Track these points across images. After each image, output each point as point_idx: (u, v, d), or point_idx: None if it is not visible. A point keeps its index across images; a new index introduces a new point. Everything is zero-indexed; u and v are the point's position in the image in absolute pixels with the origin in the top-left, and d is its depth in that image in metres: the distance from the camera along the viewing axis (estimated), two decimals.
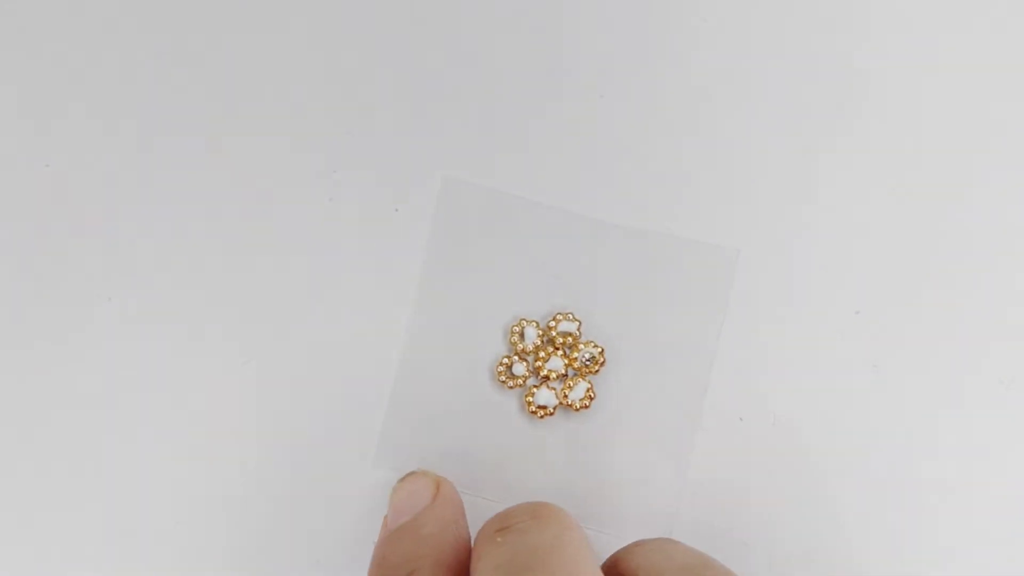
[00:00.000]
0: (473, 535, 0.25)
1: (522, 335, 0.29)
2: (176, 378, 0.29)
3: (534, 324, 0.29)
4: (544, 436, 0.29)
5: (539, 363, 0.29)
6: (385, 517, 0.26)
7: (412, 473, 0.28)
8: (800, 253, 0.30)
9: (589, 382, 0.29)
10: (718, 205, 0.30)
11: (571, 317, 0.29)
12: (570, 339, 0.29)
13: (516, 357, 0.29)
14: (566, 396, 0.29)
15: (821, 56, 0.31)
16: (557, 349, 0.29)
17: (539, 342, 0.29)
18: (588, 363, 0.29)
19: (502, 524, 0.23)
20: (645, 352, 0.29)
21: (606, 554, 0.26)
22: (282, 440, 0.29)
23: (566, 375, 0.29)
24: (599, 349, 0.29)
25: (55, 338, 0.30)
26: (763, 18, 0.31)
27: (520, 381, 0.29)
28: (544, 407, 0.29)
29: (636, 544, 0.25)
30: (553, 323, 0.29)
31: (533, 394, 0.29)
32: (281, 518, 0.29)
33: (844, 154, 0.31)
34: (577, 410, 0.29)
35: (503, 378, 0.29)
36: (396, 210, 0.30)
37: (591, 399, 0.29)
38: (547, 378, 0.29)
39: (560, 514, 0.23)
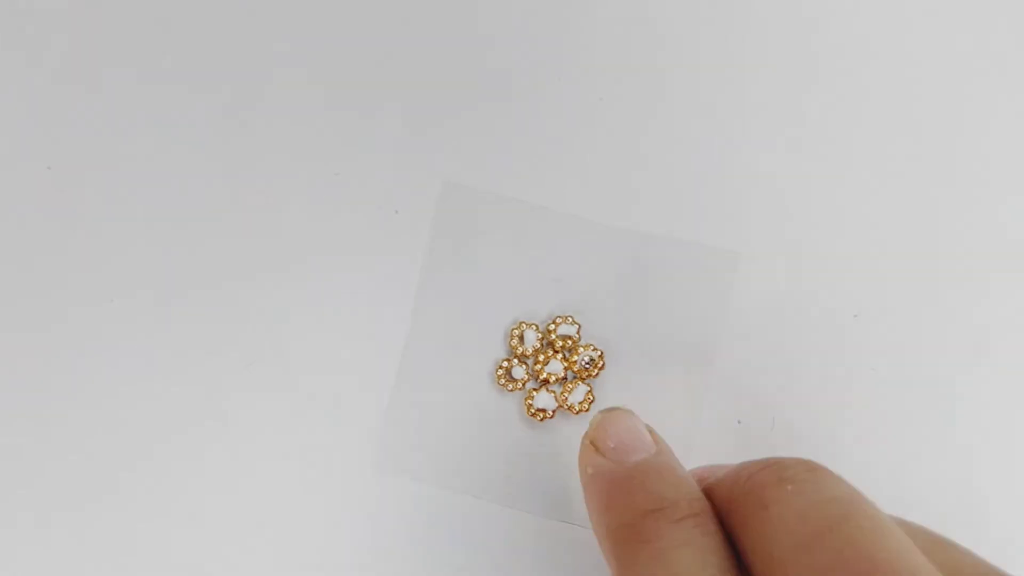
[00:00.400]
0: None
1: (522, 338, 0.29)
2: (177, 381, 0.29)
3: (533, 327, 0.29)
4: (544, 439, 0.29)
5: (539, 366, 0.29)
6: (591, 446, 0.24)
7: (621, 409, 0.25)
8: (799, 257, 0.30)
9: (588, 385, 0.29)
10: (718, 209, 0.30)
11: (571, 320, 0.29)
12: (569, 342, 0.29)
13: (516, 360, 0.29)
14: (565, 399, 0.29)
15: (822, 60, 0.31)
16: (557, 352, 0.29)
17: (539, 345, 0.29)
18: (587, 366, 0.29)
19: (781, 474, 0.21)
20: (644, 355, 0.29)
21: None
22: (281, 443, 0.29)
23: (565, 378, 0.29)
24: (598, 352, 0.29)
25: (56, 339, 0.30)
26: (763, 22, 0.31)
27: (520, 384, 0.29)
28: (544, 410, 0.29)
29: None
30: (552, 326, 0.29)
31: (533, 397, 0.29)
32: (280, 521, 0.29)
33: (844, 158, 0.31)
34: (577, 413, 0.29)
35: (502, 381, 0.29)
36: (396, 212, 0.30)
37: (591, 402, 0.29)
38: (547, 381, 0.29)
39: (834, 473, 0.21)
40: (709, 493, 0.22)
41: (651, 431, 0.24)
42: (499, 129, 0.31)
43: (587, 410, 0.29)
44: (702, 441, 0.29)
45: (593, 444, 0.24)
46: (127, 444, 0.29)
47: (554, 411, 0.29)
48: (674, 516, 0.21)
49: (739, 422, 0.30)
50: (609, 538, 0.22)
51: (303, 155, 0.30)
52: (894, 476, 0.29)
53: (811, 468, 0.21)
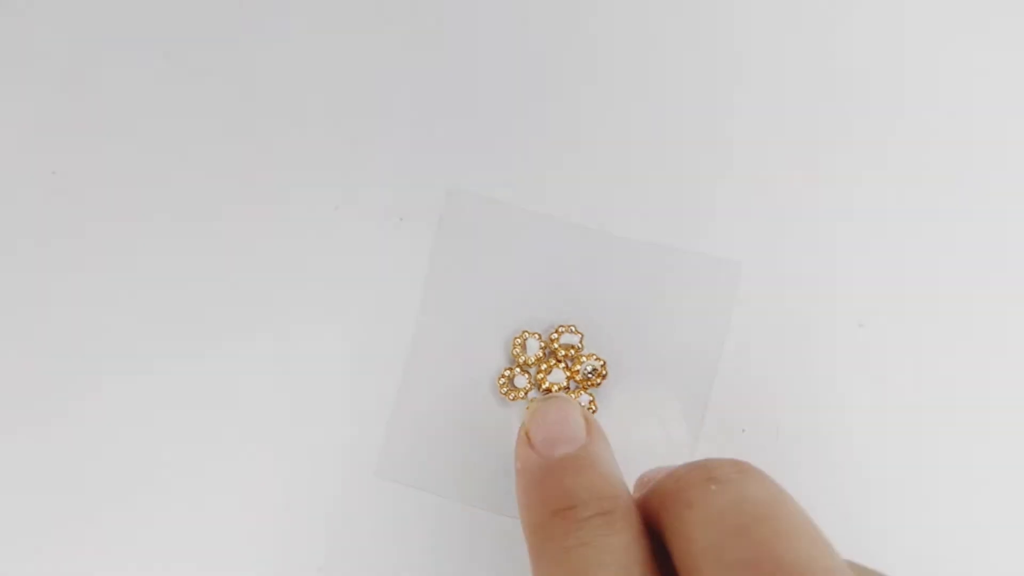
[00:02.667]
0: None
1: (524, 347, 0.29)
2: (179, 385, 0.30)
3: (536, 336, 0.29)
4: None
5: (541, 375, 0.29)
6: (525, 438, 0.24)
7: (556, 397, 0.25)
8: (803, 266, 0.30)
9: (591, 395, 0.29)
10: (721, 218, 0.30)
11: (573, 329, 0.29)
12: (572, 351, 0.29)
13: (518, 369, 0.29)
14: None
15: (825, 69, 0.31)
16: (559, 361, 0.29)
17: (541, 354, 0.29)
18: (590, 376, 0.29)
19: (708, 474, 0.21)
20: (647, 365, 0.29)
21: None
22: (285, 450, 0.29)
23: (568, 388, 0.29)
24: (601, 362, 0.29)
25: (58, 341, 0.30)
26: (765, 32, 0.31)
27: (522, 393, 0.29)
28: None
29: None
30: (555, 335, 0.29)
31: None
32: (283, 527, 0.29)
33: (847, 167, 0.31)
34: None
35: (505, 390, 0.29)
36: (400, 220, 0.30)
37: (593, 412, 0.29)
38: (549, 391, 0.29)
39: (764, 472, 0.21)
40: (649, 495, 0.22)
41: (589, 420, 0.24)
42: (504, 138, 0.31)
43: None
44: (706, 449, 0.29)
45: (527, 435, 0.24)
46: (127, 445, 0.29)
47: None
48: (581, 515, 0.21)
49: (743, 431, 0.29)
50: (526, 535, 0.23)
51: (309, 161, 0.30)
52: (898, 486, 0.29)
53: (740, 469, 0.21)
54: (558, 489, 0.22)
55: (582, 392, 0.29)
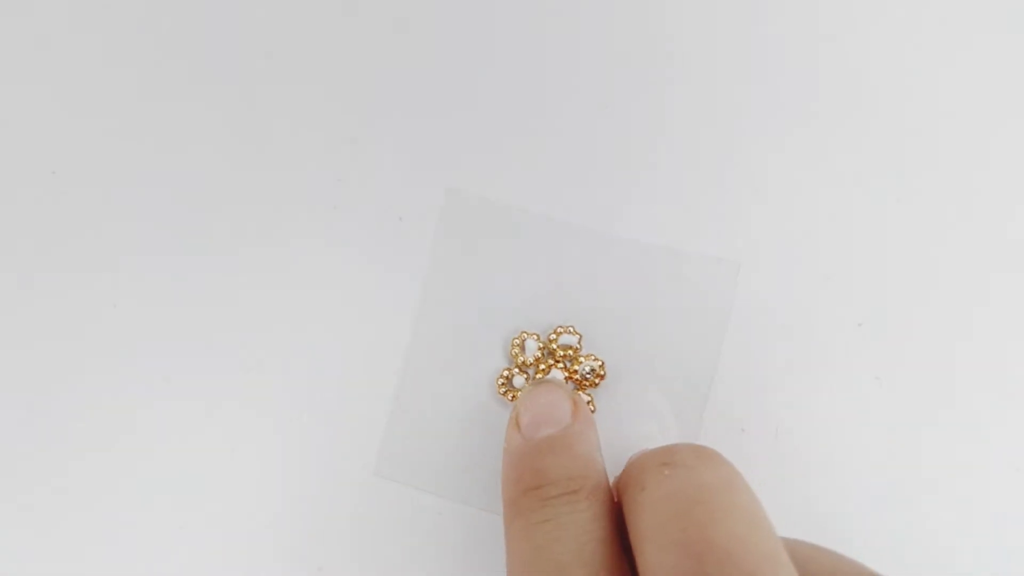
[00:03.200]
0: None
1: (523, 348, 0.29)
2: (179, 385, 0.30)
3: (535, 337, 0.29)
4: None
5: (540, 376, 0.29)
6: (514, 420, 0.25)
7: (546, 382, 0.26)
8: (802, 266, 0.30)
9: (590, 395, 0.29)
10: (719, 218, 0.30)
11: (572, 330, 0.29)
12: (571, 352, 0.29)
13: (517, 370, 0.29)
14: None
15: (823, 68, 0.31)
16: (558, 362, 0.29)
17: (540, 355, 0.29)
18: (589, 376, 0.29)
19: (665, 459, 0.22)
20: (646, 365, 0.29)
21: None
22: (283, 449, 0.29)
23: None
24: (600, 362, 0.29)
25: (58, 342, 0.30)
26: (765, 31, 0.31)
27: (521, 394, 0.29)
28: None
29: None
30: (554, 336, 0.29)
31: None
32: (282, 526, 0.29)
33: (846, 166, 0.30)
34: None
35: (503, 391, 0.29)
36: (400, 219, 0.30)
37: (592, 412, 0.29)
38: None
39: (724, 459, 0.22)
40: (618, 477, 0.23)
41: (577, 404, 0.25)
42: (503, 137, 0.30)
43: None
44: None
45: (515, 419, 0.25)
46: (126, 445, 0.29)
47: None
48: (548, 493, 0.22)
49: (743, 431, 0.29)
50: (503, 512, 0.24)
51: (308, 160, 0.30)
52: (897, 485, 0.29)
53: (699, 455, 0.22)
54: (532, 468, 0.23)
55: (581, 392, 0.29)
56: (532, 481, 0.23)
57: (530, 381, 0.29)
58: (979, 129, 0.31)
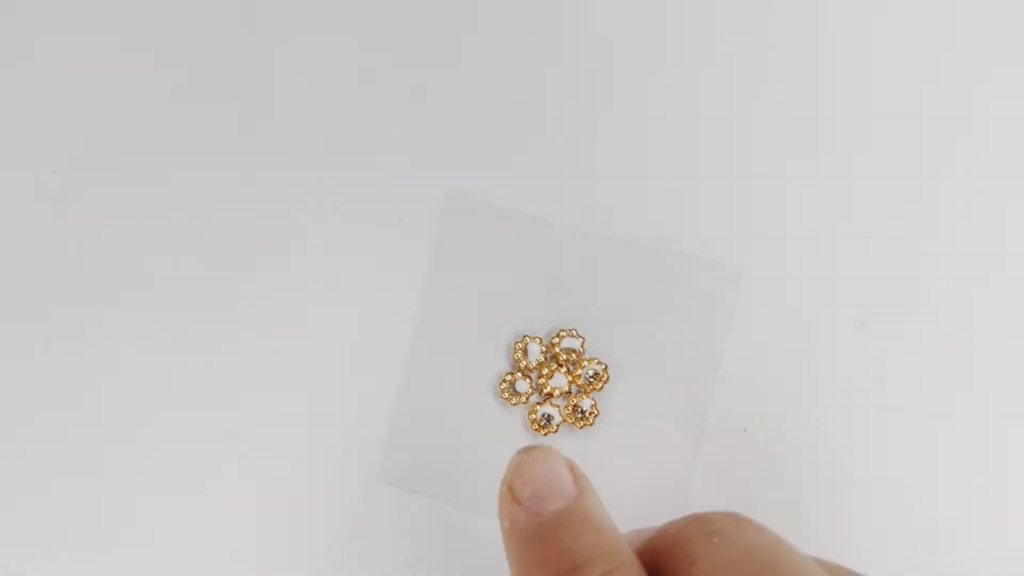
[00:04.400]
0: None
1: (525, 351, 0.29)
2: (180, 387, 0.29)
3: (537, 340, 0.29)
4: None
5: (542, 380, 0.29)
6: (509, 494, 0.22)
7: (538, 448, 0.24)
8: (805, 267, 0.30)
9: (593, 399, 0.29)
10: (722, 219, 0.30)
11: (575, 333, 0.29)
12: (574, 356, 0.29)
13: (519, 374, 0.29)
14: (570, 413, 0.29)
15: (826, 71, 0.31)
16: (561, 366, 0.29)
17: (542, 359, 0.29)
18: (592, 380, 0.29)
19: (707, 528, 0.21)
20: (649, 368, 0.29)
21: None
22: (286, 454, 0.29)
23: (570, 392, 0.29)
24: (603, 366, 0.29)
25: (59, 343, 0.30)
26: (766, 35, 0.31)
27: (523, 398, 0.29)
28: (547, 424, 0.29)
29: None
30: (556, 339, 0.29)
31: (536, 411, 0.29)
32: (283, 533, 0.29)
33: (848, 168, 0.30)
34: (581, 427, 0.29)
35: (506, 395, 0.29)
36: (401, 219, 0.30)
37: (595, 416, 0.29)
38: (550, 395, 0.29)
39: (756, 521, 0.21)
40: (646, 553, 0.22)
41: (574, 470, 0.23)
42: (504, 138, 0.30)
43: (591, 423, 0.29)
44: (708, 449, 0.29)
45: (511, 491, 0.22)
46: (126, 447, 0.29)
47: (558, 425, 0.29)
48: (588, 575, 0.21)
49: (745, 430, 0.29)
50: None
51: (310, 160, 0.30)
52: (900, 485, 0.29)
53: (736, 520, 0.21)
54: (557, 550, 0.21)
55: (584, 396, 0.29)
56: (563, 564, 0.21)
57: (533, 385, 0.29)
58: (981, 129, 0.31)
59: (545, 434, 0.29)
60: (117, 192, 0.30)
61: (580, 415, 0.29)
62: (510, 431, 0.29)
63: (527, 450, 0.23)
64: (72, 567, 0.29)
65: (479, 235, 0.30)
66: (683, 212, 0.30)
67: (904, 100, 0.31)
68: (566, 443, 0.29)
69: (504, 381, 0.29)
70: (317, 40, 0.31)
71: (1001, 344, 0.30)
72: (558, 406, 0.29)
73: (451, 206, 0.30)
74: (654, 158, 0.30)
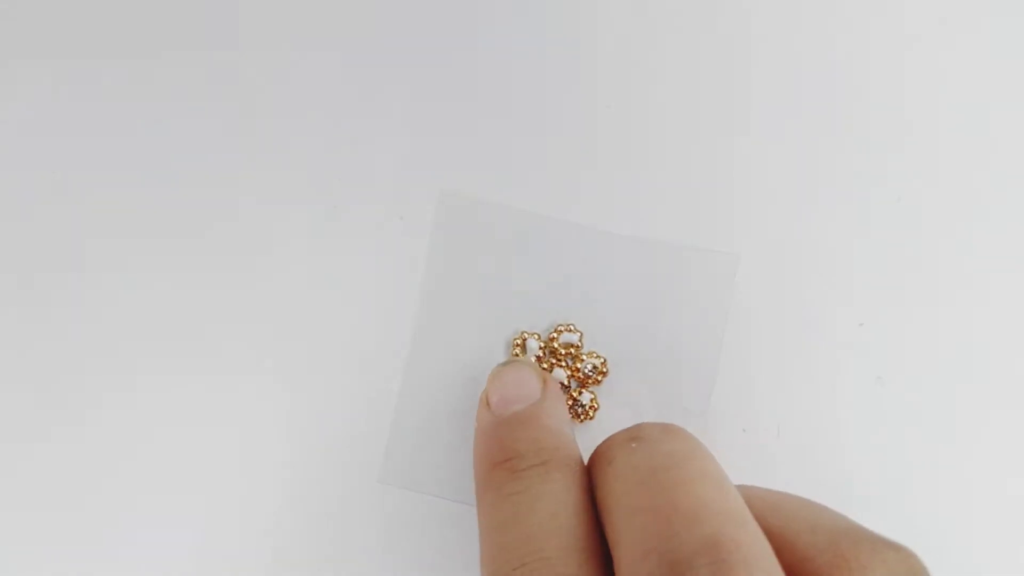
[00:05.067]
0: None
1: (524, 347, 0.29)
2: (179, 388, 0.29)
3: (536, 336, 0.29)
4: None
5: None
6: (484, 399, 0.26)
7: (515, 361, 0.27)
8: (803, 265, 0.30)
9: (592, 393, 0.29)
10: (719, 217, 0.30)
11: (572, 328, 0.29)
12: (572, 350, 0.29)
13: None
14: (570, 408, 0.29)
15: (824, 63, 0.31)
16: (560, 361, 0.29)
17: (541, 354, 0.29)
18: (591, 374, 0.29)
19: (633, 435, 0.22)
20: (648, 362, 0.29)
21: None
22: (285, 456, 0.29)
23: (569, 387, 0.29)
24: (601, 360, 0.29)
25: (58, 344, 0.30)
26: (764, 26, 0.31)
27: None
28: None
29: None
30: (555, 335, 0.29)
31: None
32: (283, 534, 0.29)
33: (848, 163, 0.31)
34: (581, 421, 0.29)
35: None
36: (401, 219, 0.30)
37: (595, 410, 0.29)
38: None
39: (688, 432, 0.23)
40: (589, 458, 0.23)
41: (546, 381, 0.26)
42: (502, 135, 0.31)
43: (592, 418, 0.29)
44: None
45: (485, 398, 0.25)
46: (125, 450, 0.29)
47: None
48: (518, 466, 0.23)
49: (744, 430, 0.29)
50: (475, 490, 0.24)
51: (306, 160, 0.30)
52: (899, 486, 0.29)
53: (664, 429, 0.22)
54: (501, 442, 0.24)
55: (583, 390, 0.29)
56: (502, 455, 0.23)
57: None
58: (982, 128, 0.31)
59: None
60: (115, 194, 0.30)
61: (580, 409, 0.29)
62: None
63: (503, 363, 0.26)
64: (70, 569, 0.29)
65: (473, 232, 0.30)
66: (680, 209, 0.30)
67: (906, 99, 0.31)
68: None
69: None
70: (315, 38, 0.31)
71: (1001, 344, 0.30)
72: None
73: (445, 204, 0.30)
74: (651, 152, 0.31)
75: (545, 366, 0.29)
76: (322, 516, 0.29)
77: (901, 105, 0.31)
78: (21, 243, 0.30)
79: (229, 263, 0.30)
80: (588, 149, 0.31)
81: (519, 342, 0.29)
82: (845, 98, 0.31)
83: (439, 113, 0.31)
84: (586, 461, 0.24)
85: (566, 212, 0.30)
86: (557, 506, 0.22)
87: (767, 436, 0.29)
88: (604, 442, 0.23)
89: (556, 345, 0.29)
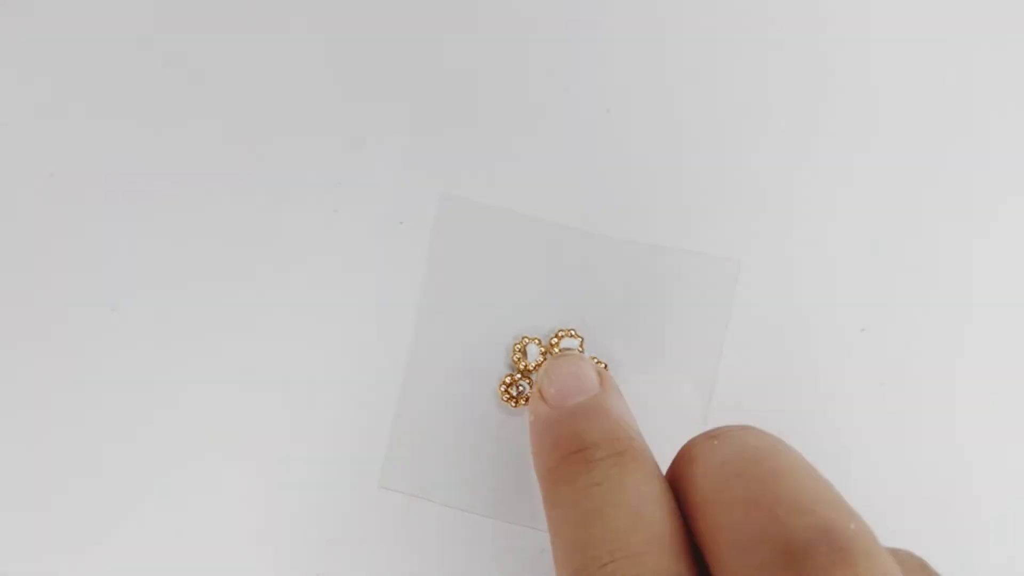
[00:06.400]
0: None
1: (524, 353, 0.29)
2: (178, 390, 0.29)
3: (536, 341, 0.29)
4: None
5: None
6: (539, 392, 0.25)
7: (570, 354, 0.26)
8: (804, 271, 0.30)
9: None
10: (720, 222, 0.30)
11: (573, 333, 0.29)
12: None
13: (519, 375, 0.29)
14: None
15: (828, 68, 0.31)
16: None
17: (542, 359, 0.29)
18: None
19: (711, 434, 0.22)
20: (648, 367, 0.29)
21: None
22: (284, 459, 0.29)
23: None
24: (602, 365, 0.29)
25: (56, 346, 0.30)
26: (767, 31, 0.31)
27: (523, 400, 0.29)
28: None
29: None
30: (555, 340, 0.29)
31: None
32: (283, 539, 0.29)
33: (850, 168, 0.31)
34: None
35: (506, 397, 0.29)
36: (401, 223, 0.30)
37: None
38: None
39: (766, 430, 0.22)
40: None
41: (602, 374, 0.25)
42: (503, 140, 0.31)
43: None
44: None
45: (539, 391, 0.25)
46: (124, 453, 0.29)
47: None
48: (593, 456, 0.22)
49: None
50: (539, 483, 0.23)
51: (308, 162, 0.30)
52: (901, 492, 0.29)
53: (743, 427, 0.22)
54: (569, 433, 0.23)
55: None
56: (573, 445, 0.22)
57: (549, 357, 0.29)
58: (983, 131, 0.31)
59: None
60: (114, 195, 0.30)
61: None
62: (512, 432, 0.29)
63: (556, 356, 0.26)
64: (68, 570, 0.29)
65: (473, 237, 0.30)
66: (680, 213, 0.30)
67: (907, 101, 0.31)
68: None
69: (504, 383, 0.29)
70: (315, 40, 0.31)
71: (1003, 350, 0.30)
72: None
73: (446, 208, 0.30)
74: (652, 157, 0.31)
75: None
76: (322, 521, 0.29)
77: (904, 108, 0.31)
78: (18, 239, 0.30)
79: (230, 266, 0.30)
80: (589, 154, 0.31)
81: (520, 347, 0.29)
82: (848, 102, 0.31)
83: (440, 117, 0.31)
84: None
85: (567, 217, 0.30)
86: (639, 498, 0.21)
87: None
88: (687, 444, 0.22)
89: (557, 350, 0.29)
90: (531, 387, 0.29)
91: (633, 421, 0.24)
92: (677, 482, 0.22)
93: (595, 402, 0.24)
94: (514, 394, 0.29)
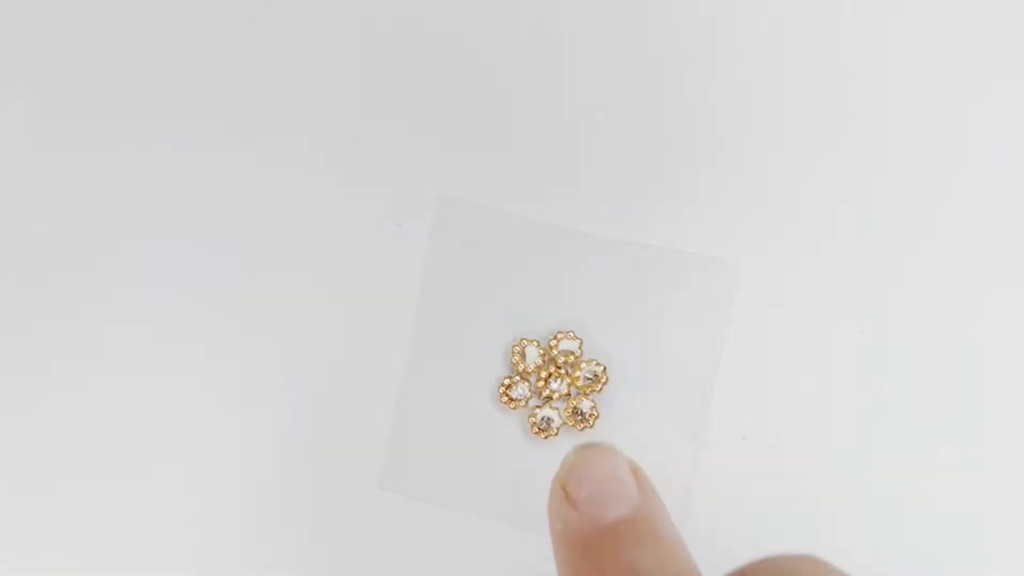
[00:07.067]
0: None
1: (523, 355, 0.29)
2: (176, 391, 0.29)
3: (535, 343, 0.29)
4: (548, 457, 0.29)
5: (541, 383, 0.29)
6: (562, 492, 0.20)
7: (597, 445, 0.21)
8: (804, 273, 0.30)
9: (592, 401, 0.29)
10: (719, 224, 0.30)
11: (572, 335, 0.29)
12: (572, 358, 0.29)
13: (518, 377, 0.29)
14: (570, 415, 0.29)
15: (825, 68, 0.31)
16: (559, 368, 0.29)
17: (540, 362, 0.29)
18: (590, 381, 0.29)
19: (778, 569, 0.19)
20: (647, 369, 0.29)
21: None
22: (284, 460, 0.29)
23: (569, 394, 0.29)
24: (601, 367, 0.29)
25: (54, 346, 0.30)
26: (766, 31, 0.31)
27: (522, 402, 0.29)
28: (547, 427, 0.29)
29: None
30: (554, 342, 0.29)
31: (536, 414, 0.29)
32: (282, 540, 0.29)
33: (850, 170, 0.30)
34: (581, 429, 0.29)
35: (505, 399, 0.29)
36: (399, 225, 0.30)
37: (595, 418, 0.29)
38: (550, 398, 0.29)
39: (832, 565, 0.19)
40: None
41: (637, 472, 0.21)
42: (502, 141, 0.31)
43: (591, 425, 0.29)
44: (706, 458, 0.29)
45: (564, 490, 0.20)
46: (123, 453, 0.29)
47: (558, 428, 0.29)
48: None
49: (743, 439, 0.29)
50: None
51: (307, 164, 0.30)
52: (900, 495, 0.29)
53: (811, 563, 0.19)
54: (618, 562, 0.19)
55: (583, 398, 0.29)
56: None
57: (532, 389, 0.29)
58: (984, 134, 0.31)
59: (545, 437, 0.29)
60: (113, 195, 0.30)
61: (580, 417, 0.29)
62: (511, 435, 0.29)
63: (585, 447, 0.21)
64: (68, 570, 0.29)
65: (472, 239, 0.30)
66: (680, 215, 0.30)
67: (908, 102, 0.31)
68: (567, 446, 0.29)
69: (503, 385, 0.29)
70: (315, 45, 0.31)
71: (1003, 352, 0.30)
72: (557, 409, 0.29)
73: (444, 211, 0.30)
74: (650, 155, 0.30)
75: (544, 373, 0.29)
76: (321, 522, 0.29)
77: (904, 110, 0.31)
78: (18, 239, 0.30)
79: (228, 268, 0.30)
80: (587, 155, 0.30)
81: (519, 349, 0.29)
82: (848, 103, 0.31)
83: (438, 119, 0.31)
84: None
85: (566, 218, 0.30)
86: None
87: (767, 445, 0.29)
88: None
89: (555, 352, 0.29)
90: (529, 390, 0.29)
91: (682, 540, 0.20)
92: None
93: (642, 519, 0.20)
94: (513, 396, 0.29)
